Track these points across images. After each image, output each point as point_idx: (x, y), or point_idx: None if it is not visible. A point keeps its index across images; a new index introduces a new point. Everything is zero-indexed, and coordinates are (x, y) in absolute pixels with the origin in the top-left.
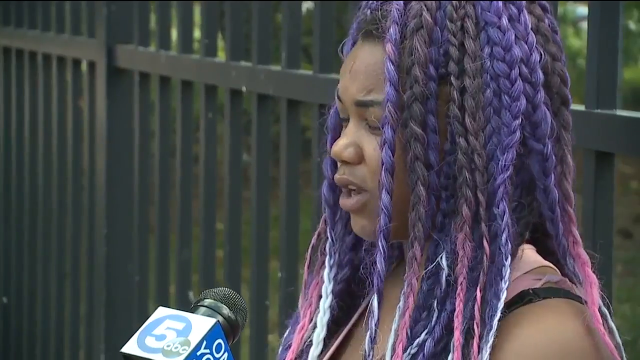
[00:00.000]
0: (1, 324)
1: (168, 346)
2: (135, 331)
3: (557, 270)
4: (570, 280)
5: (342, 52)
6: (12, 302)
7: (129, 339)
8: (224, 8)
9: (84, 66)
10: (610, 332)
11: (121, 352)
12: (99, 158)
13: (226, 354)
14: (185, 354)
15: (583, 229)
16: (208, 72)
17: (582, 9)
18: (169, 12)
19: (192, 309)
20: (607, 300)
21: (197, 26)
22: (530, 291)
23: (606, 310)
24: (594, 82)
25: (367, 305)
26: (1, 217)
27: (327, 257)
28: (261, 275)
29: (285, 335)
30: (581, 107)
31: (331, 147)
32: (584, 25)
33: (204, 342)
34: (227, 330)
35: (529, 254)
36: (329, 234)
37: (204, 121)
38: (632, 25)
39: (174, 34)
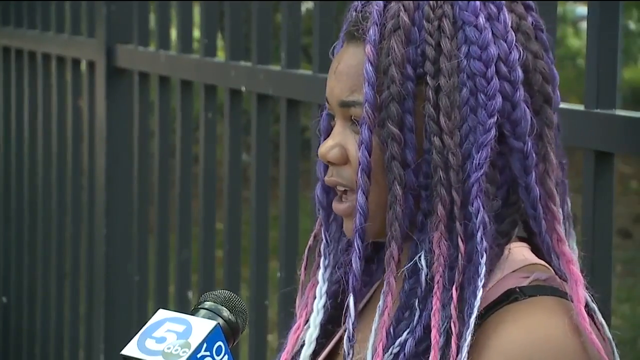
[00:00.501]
0: (1, 324)
1: (168, 348)
2: (135, 332)
3: (549, 268)
4: (560, 278)
5: (332, 54)
6: (12, 302)
7: (129, 341)
8: (223, 8)
9: (84, 66)
10: (601, 327)
11: (121, 355)
12: (98, 158)
13: (226, 357)
14: (186, 356)
15: (583, 229)
16: (207, 72)
17: (582, 9)
18: (169, 12)
19: (193, 312)
20: (595, 296)
21: (196, 26)
22: (517, 289)
23: (595, 306)
24: (594, 82)
25: (363, 308)
26: (1, 217)
27: (322, 258)
28: (261, 275)
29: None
30: (581, 107)
31: None
32: (584, 25)
33: (204, 345)
34: (228, 332)
35: (517, 252)
36: (323, 236)
37: (203, 121)
38: (631, 25)
39: (174, 33)
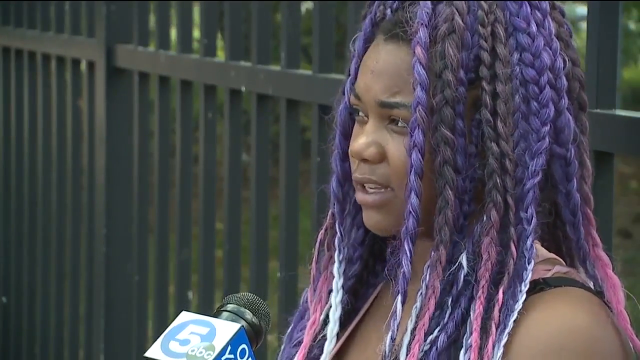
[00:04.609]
0: (1, 324)
1: (192, 351)
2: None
3: (563, 262)
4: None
5: (353, 46)
6: (11, 302)
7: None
8: (223, 8)
9: (84, 66)
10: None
11: (145, 357)
12: (98, 158)
13: (250, 359)
14: (210, 359)
15: None
16: (207, 72)
17: (582, 9)
18: (169, 12)
19: (215, 314)
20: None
21: (196, 26)
22: (541, 280)
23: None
24: (594, 82)
25: (374, 301)
26: (1, 217)
27: (336, 252)
28: (260, 275)
29: (288, 331)
30: None
31: (340, 143)
32: (583, 25)
33: (229, 347)
34: (251, 335)
35: (536, 247)
36: (337, 229)
37: (203, 121)
38: (631, 25)
39: (174, 33)
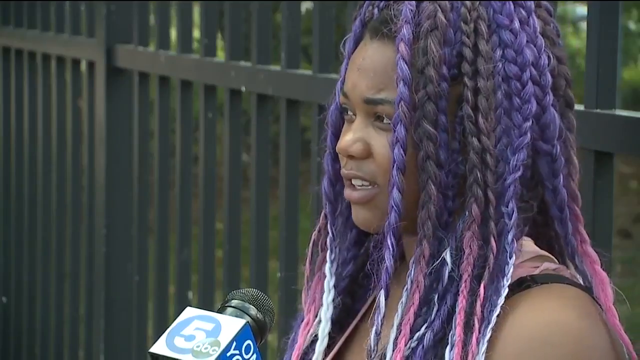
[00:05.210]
0: (1, 324)
1: (197, 347)
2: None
3: (554, 259)
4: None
5: (343, 48)
6: (12, 301)
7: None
8: (223, 8)
9: (84, 66)
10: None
11: (150, 352)
12: (98, 158)
13: (255, 355)
14: (216, 354)
15: None
16: (207, 72)
17: (582, 9)
18: (169, 12)
19: (220, 310)
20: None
21: (196, 26)
22: (528, 277)
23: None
24: (593, 82)
25: (372, 302)
26: (1, 217)
27: (328, 252)
28: (260, 275)
29: (292, 336)
30: (580, 107)
31: (331, 143)
32: (583, 25)
33: (234, 343)
34: (256, 331)
35: (526, 244)
36: (329, 229)
37: (203, 121)
38: (631, 25)
39: (174, 33)
